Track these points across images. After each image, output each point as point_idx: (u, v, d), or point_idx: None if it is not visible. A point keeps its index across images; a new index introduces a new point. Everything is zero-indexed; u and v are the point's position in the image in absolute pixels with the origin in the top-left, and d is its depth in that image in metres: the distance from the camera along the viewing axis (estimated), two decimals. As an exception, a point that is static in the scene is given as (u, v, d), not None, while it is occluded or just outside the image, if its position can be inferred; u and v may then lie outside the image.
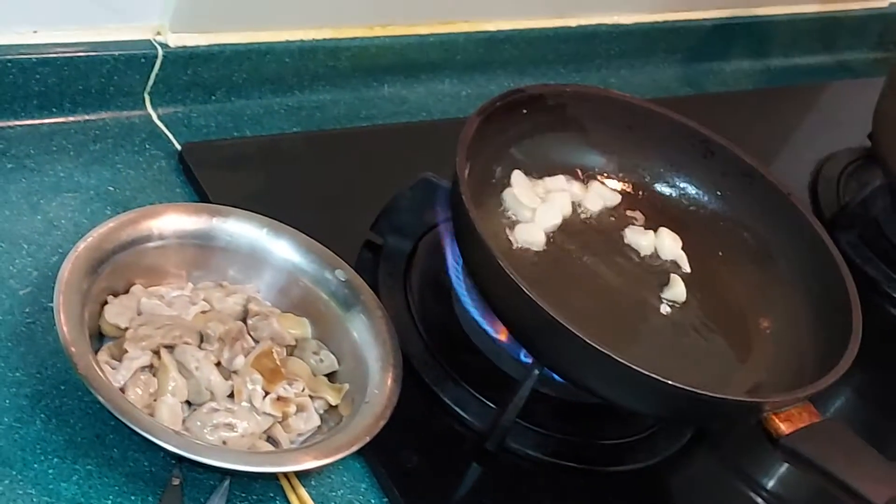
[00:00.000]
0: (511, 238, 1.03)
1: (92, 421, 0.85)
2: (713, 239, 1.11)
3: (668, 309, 1.04)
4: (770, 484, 1.06)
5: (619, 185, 1.13)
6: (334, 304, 0.95)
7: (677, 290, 1.05)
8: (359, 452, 0.87)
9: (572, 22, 1.39)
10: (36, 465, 0.81)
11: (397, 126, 1.24)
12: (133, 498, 0.82)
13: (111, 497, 0.81)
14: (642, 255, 1.08)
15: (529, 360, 0.94)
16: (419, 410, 0.96)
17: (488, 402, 0.97)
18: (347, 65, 1.21)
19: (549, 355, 0.92)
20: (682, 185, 1.13)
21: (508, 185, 1.06)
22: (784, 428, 0.90)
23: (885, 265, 1.33)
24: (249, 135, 1.14)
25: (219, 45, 1.11)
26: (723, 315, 1.06)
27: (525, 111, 1.05)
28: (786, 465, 1.07)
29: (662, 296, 1.05)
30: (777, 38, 1.65)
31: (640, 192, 1.13)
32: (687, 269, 1.08)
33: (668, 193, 1.13)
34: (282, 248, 0.96)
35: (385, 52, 1.23)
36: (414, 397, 0.95)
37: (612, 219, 1.10)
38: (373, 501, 0.89)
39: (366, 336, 0.93)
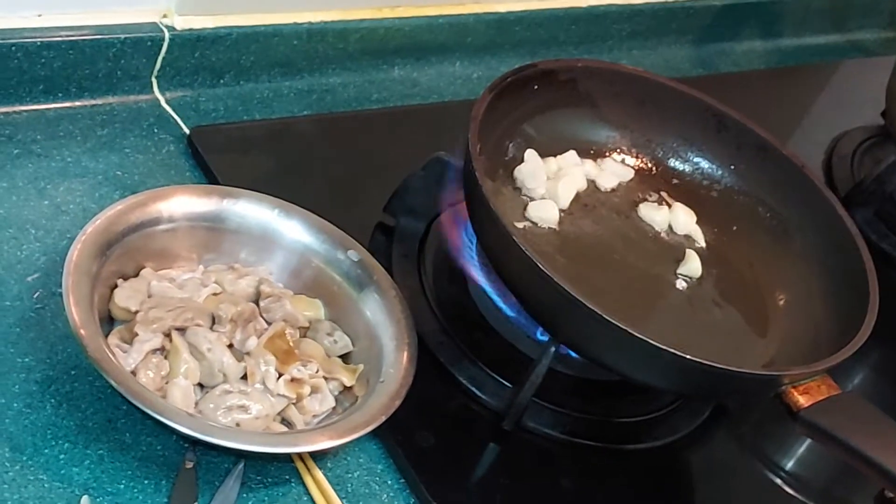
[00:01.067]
0: (525, 215, 1.02)
1: (103, 405, 0.84)
2: (728, 213, 1.10)
3: (684, 284, 1.04)
4: (788, 464, 1.05)
5: (632, 161, 1.12)
6: (347, 285, 0.94)
7: (693, 265, 1.04)
8: (375, 433, 0.86)
9: (583, 2, 1.38)
10: (46, 451, 0.80)
11: (408, 108, 1.23)
12: (146, 482, 0.81)
13: (123, 482, 0.80)
14: (657, 230, 1.07)
15: (545, 338, 0.93)
16: (435, 391, 0.95)
17: (504, 381, 0.96)
18: (357, 47, 1.20)
19: (565, 332, 0.91)
20: (696, 159, 1.12)
21: (521, 162, 1.04)
22: (803, 401, 0.89)
23: (903, 242, 1.32)
24: (259, 118, 1.13)
25: (226, 27, 1.10)
26: (739, 289, 1.05)
27: (536, 87, 1.04)
28: (804, 446, 1.07)
29: (678, 271, 1.04)
30: (788, 18, 1.64)
31: (654, 168, 1.12)
32: (702, 243, 1.08)
33: (681, 168, 1.12)
34: (293, 230, 0.95)
35: (394, 33, 1.22)
36: (430, 377, 0.94)
37: (627, 195, 1.09)
38: (389, 482, 0.88)
39: (380, 316, 0.92)
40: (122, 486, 0.80)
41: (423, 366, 0.90)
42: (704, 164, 1.11)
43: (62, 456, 0.80)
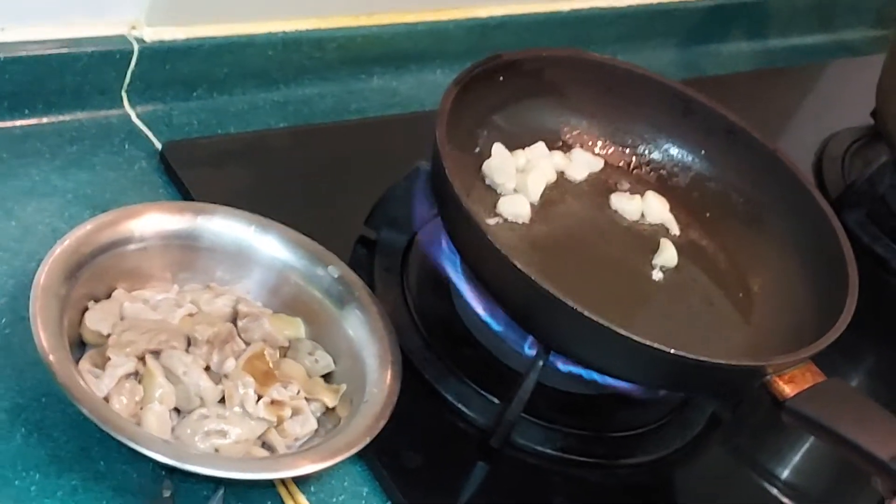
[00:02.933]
0: (497, 211, 1.00)
1: (76, 433, 0.81)
2: (701, 200, 1.09)
3: (661, 275, 1.02)
4: (784, 474, 1.04)
5: (601, 151, 1.10)
6: (328, 302, 0.91)
7: (668, 254, 1.03)
8: (359, 455, 0.84)
9: (565, 6, 1.35)
10: (17, 483, 0.77)
11: (388, 118, 1.20)
12: (122, 512, 0.78)
13: (98, 512, 0.77)
14: (630, 220, 1.06)
15: (533, 353, 0.91)
16: (421, 409, 0.92)
17: (492, 398, 0.94)
18: (334, 56, 1.18)
19: (546, 331, 0.89)
20: (665, 145, 1.10)
21: (490, 156, 1.03)
22: (788, 390, 0.88)
23: (894, 243, 1.30)
24: (234, 132, 1.10)
25: (197, 38, 1.07)
26: (716, 278, 1.04)
27: (502, 78, 1.03)
28: (799, 454, 1.06)
29: (654, 261, 1.03)
30: (774, 19, 1.63)
31: (624, 157, 1.11)
32: (676, 231, 1.06)
33: (651, 156, 1.11)
34: (271, 246, 0.92)
35: (373, 42, 1.20)
36: (415, 395, 0.91)
37: (597, 185, 1.08)
38: (375, 505, 0.85)
39: (362, 333, 0.89)
40: (96, 518, 0.77)
41: (407, 383, 0.88)
42: (674, 151, 1.10)
43: (33, 487, 0.77)
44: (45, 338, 0.77)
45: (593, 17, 1.38)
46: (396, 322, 0.92)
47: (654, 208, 1.06)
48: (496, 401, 0.93)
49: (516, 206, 1.00)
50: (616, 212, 1.06)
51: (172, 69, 1.07)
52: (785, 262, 1.03)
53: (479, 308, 0.96)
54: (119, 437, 0.74)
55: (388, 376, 0.86)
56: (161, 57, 1.06)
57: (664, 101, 1.10)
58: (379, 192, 1.03)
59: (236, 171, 1.06)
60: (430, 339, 0.96)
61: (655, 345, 0.82)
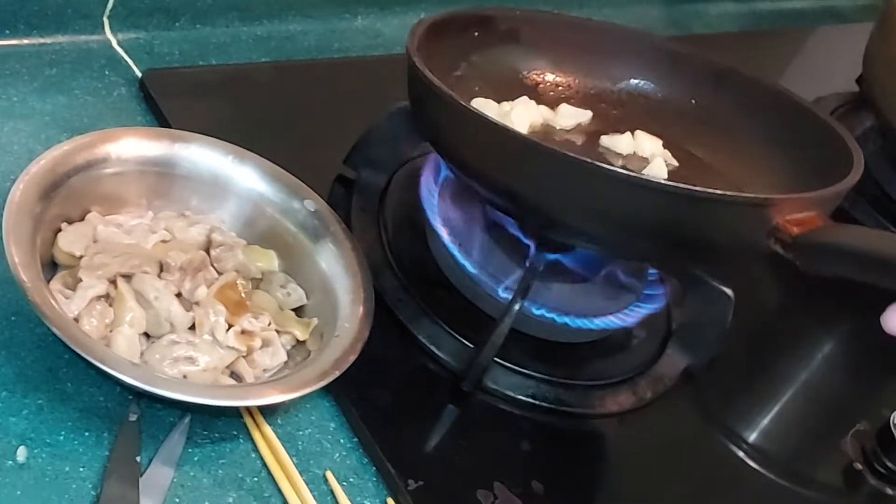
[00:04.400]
0: None
1: (44, 353, 0.80)
2: (691, 130, 1.06)
3: None
4: (751, 437, 1.03)
5: (587, 103, 1.08)
6: (303, 236, 0.91)
7: (656, 164, 1.00)
8: (328, 390, 0.83)
9: (554, -42, 1.34)
10: (-18, 399, 0.76)
11: (371, 59, 1.19)
12: (87, 434, 0.77)
13: (63, 433, 0.76)
14: (623, 155, 1.03)
15: (508, 296, 0.90)
16: (392, 349, 0.92)
17: (465, 341, 0.93)
18: (319, -7, 1.17)
19: (534, 201, 0.85)
20: (652, 88, 1.09)
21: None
22: (798, 230, 0.81)
23: (874, 209, 1.30)
24: (215, 63, 1.09)
25: (182, -34, 1.06)
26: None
27: (476, 34, 1.02)
28: (768, 418, 1.04)
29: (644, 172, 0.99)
30: (763, -19, 1.61)
31: (612, 107, 1.09)
32: (674, 163, 1.04)
33: (637, 95, 1.09)
34: (247, 177, 0.91)
35: (358, -20, 1.19)
36: (387, 335, 0.91)
37: (586, 130, 1.06)
38: (342, 441, 0.84)
39: (335, 268, 0.89)
40: (61, 438, 0.76)
41: (380, 323, 0.87)
42: (661, 93, 1.09)
43: (-2, 405, 0.76)
44: (17, 255, 0.76)
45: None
46: (372, 261, 0.91)
47: (646, 145, 1.04)
48: (469, 345, 0.92)
49: None
50: (608, 149, 1.04)
51: (155, -3, 1.06)
52: (787, 160, 1.00)
53: (454, 250, 0.95)
54: (87, 357, 0.73)
55: (360, 312, 0.85)
56: (145, -17, 1.05)
57: (650, 54, 1.08)
58: (359, 131, 1.02)
59: (216, 103, 1.05)
60: (404, 280, 0.95)
61: (657, 180, 0.79)
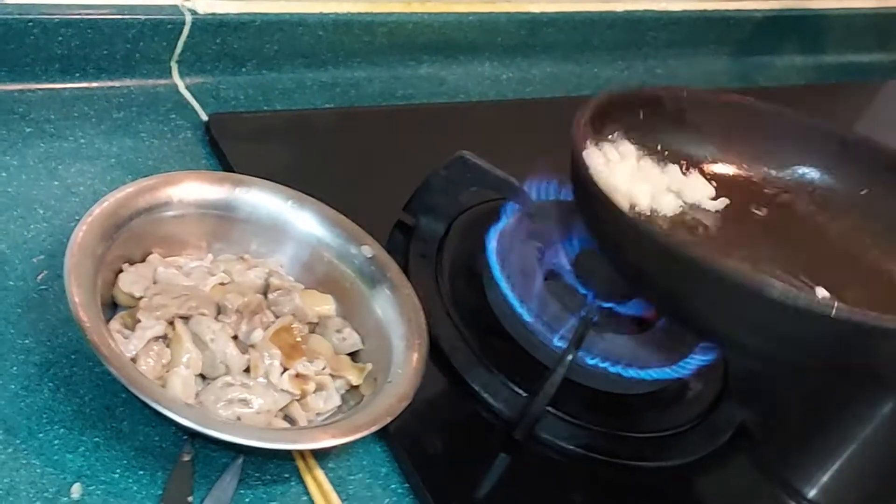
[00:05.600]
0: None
1: (102, 392, 0.81)
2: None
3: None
4: (811, 493, 1.01)
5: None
6: (360, 281, 0.91)
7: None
8: (380, 436, 0.84)
9: (619, 7, 1.35)
10: (41, 435, 0.77)
11: (434, 106, 1.20)
12: (141, 473, 0.78)
13: (118, 470, 0.77)
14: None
15: (562, 345, 0.90)
16: (446, 395, 0.92)
17: (518, 390, 0.93)
18: (384, 41, 1.18)
19: (707, 314, 0.86)
20: (822, 184, 1.05)
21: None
22: None
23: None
24: (280, 109, 1.11)
25: (250, 14, 1.08)
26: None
27: (642, 115, 1.00)
28: (828, 474, 1.02)
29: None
30: (831, 34, 1.61)
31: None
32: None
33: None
34: (306, 221, 0.92)
35: (423, 29, 1.20)
36: (441, 382, 0.91)
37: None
38: (393, 486, 0.85)
39: (391, 314, 0.89)
40: (115, 476, 0.77)
41: (435, 370, 0.88)
42: (837, 189, 1.05)
43: (56, 441, 0.77)
44: (78, 295, 0.77)
45: (646, 20, 1.38)
46: (428, 308, 0.92)
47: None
48: (523, 393, 0.92)
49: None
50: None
51: (223, 43, 1.08)
52: None
53: (511, 298, 0.95)
54: (143, 398, 0.74)
55: (415, 359, 0.86)
56: (213, 30, 1.06)
57: (818, 142, 1.05)
58: (420, 178, 1.03)
59: (279, 148, 1.07)
60: (460, 328, 0.96)
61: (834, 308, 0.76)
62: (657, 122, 1.02)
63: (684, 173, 1.04)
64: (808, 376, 1.02)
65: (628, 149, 1.00)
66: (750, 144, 1.05)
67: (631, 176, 0.99)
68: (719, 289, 0.80)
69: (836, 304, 0.77)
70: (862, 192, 1.04)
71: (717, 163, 1.05)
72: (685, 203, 1.03)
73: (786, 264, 0.99)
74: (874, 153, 1.04)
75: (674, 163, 1.03)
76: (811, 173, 1.06)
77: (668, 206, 1.01)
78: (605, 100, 0.96)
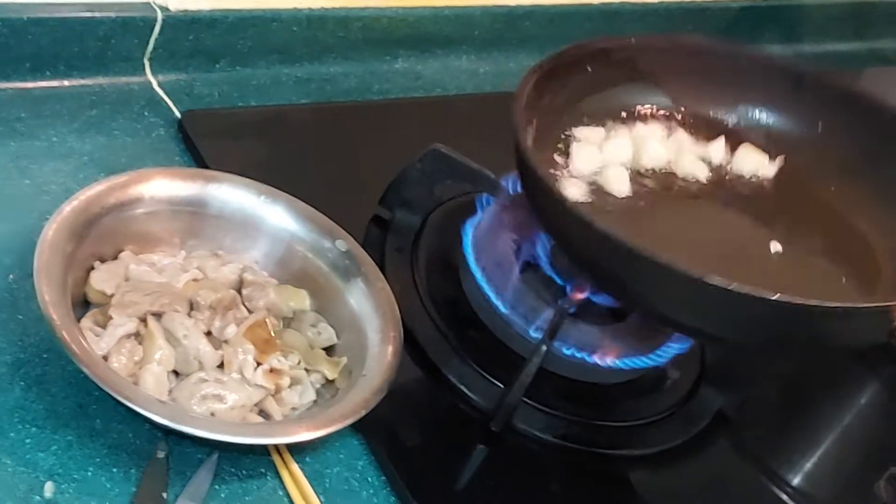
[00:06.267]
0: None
1: (74, 390, 0.81)
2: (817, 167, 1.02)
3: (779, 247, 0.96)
4: (795, 480, 1.01)
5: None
6: (334, 275, 0.91)
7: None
8: (357, 429, 0.83)
9: (595, -1, 1.35)
10: (13, 434, 0.77)
11: (410, 101, 1.20)
12: (115, 470, 0.77)
13: (91, 468, 0.77)
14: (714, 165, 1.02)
15: (538, 336, 0.90)
16: (422, 388, 0.92)
17: (494, 381, 0.93)
18: (359, 36, 1.18)
19: (649, 300, 0.85)
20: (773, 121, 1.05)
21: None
22: None
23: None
24: (254, 105, 1.10)
25: (222, 10, 1.08)
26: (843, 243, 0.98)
27: (590, 68, 0.99)
28: (812, 460, 1.02)
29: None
30: (808, 24, 1.61)
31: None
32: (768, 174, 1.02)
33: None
34: (279, 217, 0.92)
35: (398, 23, 1.20)
36: (418, 374, 0.91)
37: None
38: (370, 479, 0.84)
39: (366, 308, 0.89)
40: (88, 474, 0.77)
41: (411, 362, 0.88)
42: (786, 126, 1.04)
43: (28, 440, 0.77)
44: (48, 293, 0.77)
45: (622, 12, 1.38)
46: (404, 301, 0.92)
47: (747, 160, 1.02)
48: (499, 384, 0.92)
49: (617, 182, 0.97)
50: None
51: (196, 40, 1.08)
52: None
53: (487, 289, 0.95)
54: (116, 396, 0.74)
55: (389, 352, 0.86)
56: (185, 27, 1.06)
57: (772, 76, 1.05)
58: (395, 172, 1.03)
59: (254, 144, 1.06)
60: (436, 320, 0.96)
61: (787, 298, 0.76)
62: (608, 75, 1.01)
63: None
64: (785, 361, 1.03)
65: (594, 131, 1.00)
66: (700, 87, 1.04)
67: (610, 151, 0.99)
68: (660, 277, 0.80)
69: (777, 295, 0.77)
70: (819, 131, 1.04)
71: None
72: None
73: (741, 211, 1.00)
74: (828, 87, 1.04)
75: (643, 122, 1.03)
76: (764, 114, 1.06)
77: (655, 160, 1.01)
78: (550, 64, 0.95)
